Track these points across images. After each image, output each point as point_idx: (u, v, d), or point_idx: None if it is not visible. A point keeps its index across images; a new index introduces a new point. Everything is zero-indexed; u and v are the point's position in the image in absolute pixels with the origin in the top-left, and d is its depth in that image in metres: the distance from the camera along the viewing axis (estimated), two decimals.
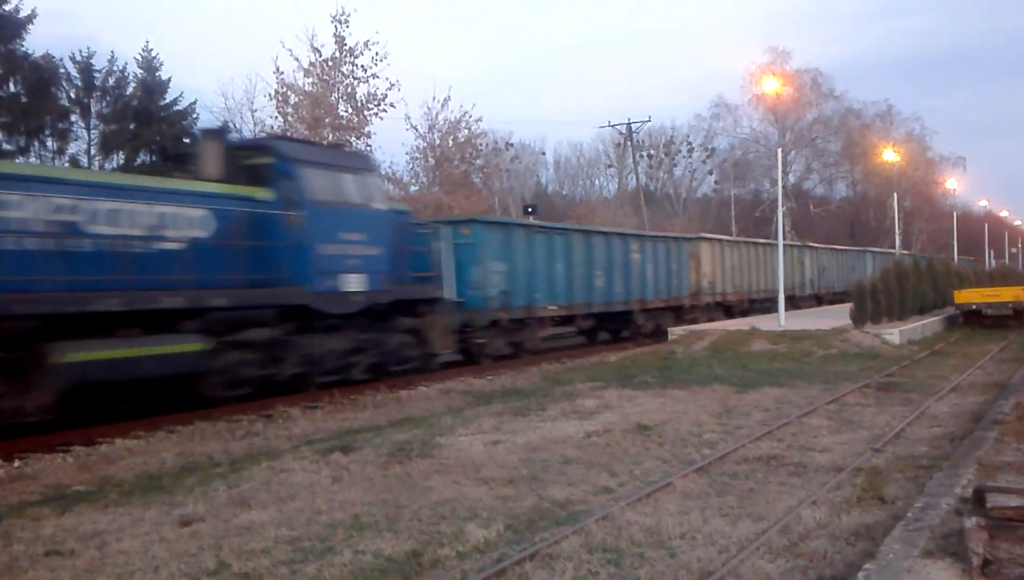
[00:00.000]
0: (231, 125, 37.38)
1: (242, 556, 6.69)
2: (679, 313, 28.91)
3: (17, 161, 30.63)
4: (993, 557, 5.53)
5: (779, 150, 37.35)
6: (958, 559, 5.51)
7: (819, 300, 41.17)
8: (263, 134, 35.52)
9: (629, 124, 54.28)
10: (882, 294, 26.00)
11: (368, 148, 35.48)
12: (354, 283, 15.69)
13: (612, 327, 26.91)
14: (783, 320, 25.52)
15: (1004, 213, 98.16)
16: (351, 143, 34.56)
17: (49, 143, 34.63)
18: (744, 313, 32.49)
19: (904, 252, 50.48)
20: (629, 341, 26.37)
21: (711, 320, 29.31)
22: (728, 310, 32.43)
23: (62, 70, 34.80)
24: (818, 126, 68.11)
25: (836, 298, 40.59)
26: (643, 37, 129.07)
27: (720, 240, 33.68)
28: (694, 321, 28.32)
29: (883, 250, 52.92)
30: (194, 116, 37.37)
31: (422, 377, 18.01)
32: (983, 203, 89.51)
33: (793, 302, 36.46)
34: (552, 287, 22.83)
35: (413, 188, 40.52)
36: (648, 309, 27.25)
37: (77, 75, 35.96)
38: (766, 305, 33.68)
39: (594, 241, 25.08)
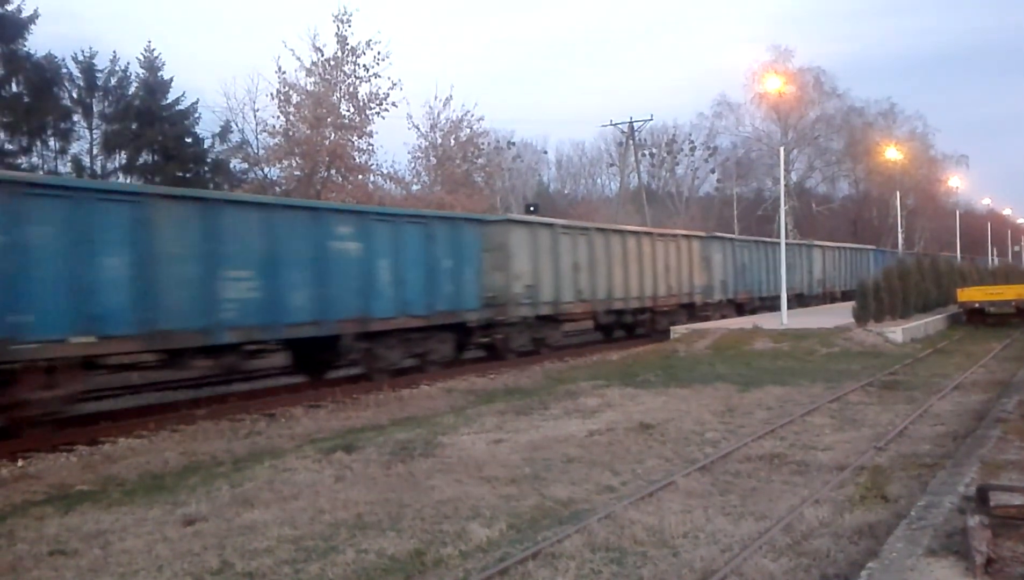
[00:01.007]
0: (233, 125, 37.43)
1: (245, 555, 6.69)
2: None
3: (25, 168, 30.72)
4: (996, 556, 5.52)
5: (781, 149, 37.27)
6: (961, 558, 5.51)
7: (831, 299, 41.42)
8: (265, 133, 35.58)
9: (631, 123, 54.23)
10: (885, 292, 25.99)
11: (370, 147, 35.53)
12: None
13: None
14: (785, 318, 25.50)
15: (1007, 211, 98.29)
16: (352, 142, 34.60)
17: (51, 143, 34.65)
18: (754, 310, 32.88)
19: (897, 251, 50.50)
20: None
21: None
22: (739, 308, 32.79)
23: (64, 70, 34.75)
24: (820, 125, 68.01)
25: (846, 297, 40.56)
26: (645, 36, 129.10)
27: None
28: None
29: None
30: (196, 116, 37.37)
31: (424, 376, 18.04)
32: (986, 201, 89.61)
33: (801, 301, 36.68)
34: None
35: (415, 187, 40.56)
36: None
37: (79, 75, 35.91)
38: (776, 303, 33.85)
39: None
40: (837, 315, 27.84)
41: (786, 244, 28.63)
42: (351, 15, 33.75)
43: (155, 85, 36.35)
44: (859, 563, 6.06)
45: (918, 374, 17.40)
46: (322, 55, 33.94)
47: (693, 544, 6.75)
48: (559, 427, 11.67)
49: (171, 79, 37.01)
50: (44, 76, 32.50)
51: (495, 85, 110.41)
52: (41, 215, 11.34)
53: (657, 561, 6.42)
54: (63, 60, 34.64)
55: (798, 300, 34.17)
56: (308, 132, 33.20)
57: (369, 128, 34.97)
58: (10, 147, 32.02)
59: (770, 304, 33.72)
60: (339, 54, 34.07)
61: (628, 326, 26.93)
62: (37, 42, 43.55)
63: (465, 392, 16.33)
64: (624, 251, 25.63)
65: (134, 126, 35.56)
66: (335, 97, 34.20)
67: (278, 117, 34.33)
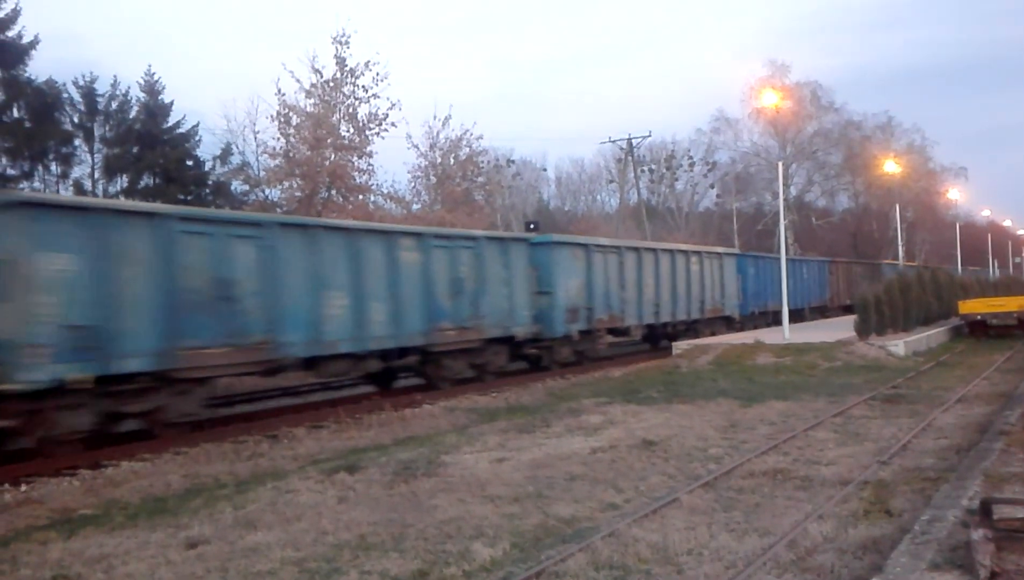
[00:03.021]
0: (233, 147, 37.56)
1: (248, 578, 6.69)
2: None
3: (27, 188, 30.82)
4: (1000, 569, 5.52)
5: (780, 163, 37.42)
6: (965, 571, 5.50)
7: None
8: (266, 155, 35.68)
9: (630, 139, 54.34)
10: (886, 305, 25.99)
11: (370, 167, 35.62)
12: None
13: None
14: (788, 333, 25.50)
15: (1007, 222, 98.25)
16: (352, 162, 34.69)
17: (53, 167, 34.78)
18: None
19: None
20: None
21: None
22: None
23: (65, 95, 34.91)
24: (819, 139, 68.10)
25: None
26: (643, 53, 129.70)
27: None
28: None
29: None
30: (197, 138, 37.51)
31: (427, 395, 18.04)
32: (986, 213, 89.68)
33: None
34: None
35: (415, 206, 40.61)
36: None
37: (80, 99, 36.09)
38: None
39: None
40: (838, 329, 27.86)
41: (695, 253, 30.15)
42: (350, 37, 33.85)
43: (156, 108, 36.51)
44: (863, 578, 6.06)
45: (921, 387, 17.38)
46: (321, 77, 34.07)
47: (697, 561, 6.74)
48: (562, 445, 11.65)
49: (171, 102, 37.21)
50: (45, 101, 32.65)
51: (494, 104, 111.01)
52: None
53: (661, 579, 6.41)
54: (64, 85, 34.85)
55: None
56: (308, 153, 33.28)
57: (369, 148, 35.04)
58: (12, 172, 32.14)
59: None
60: (338, 75, 34.19)
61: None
62: (38, 67, 43.64)
63: (467, 411, 16.32)
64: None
65: (135, 149, 35.69)
66: (335, 118, 34.30)
67: (278, 139, 34.44)
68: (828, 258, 47.21)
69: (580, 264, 23.10)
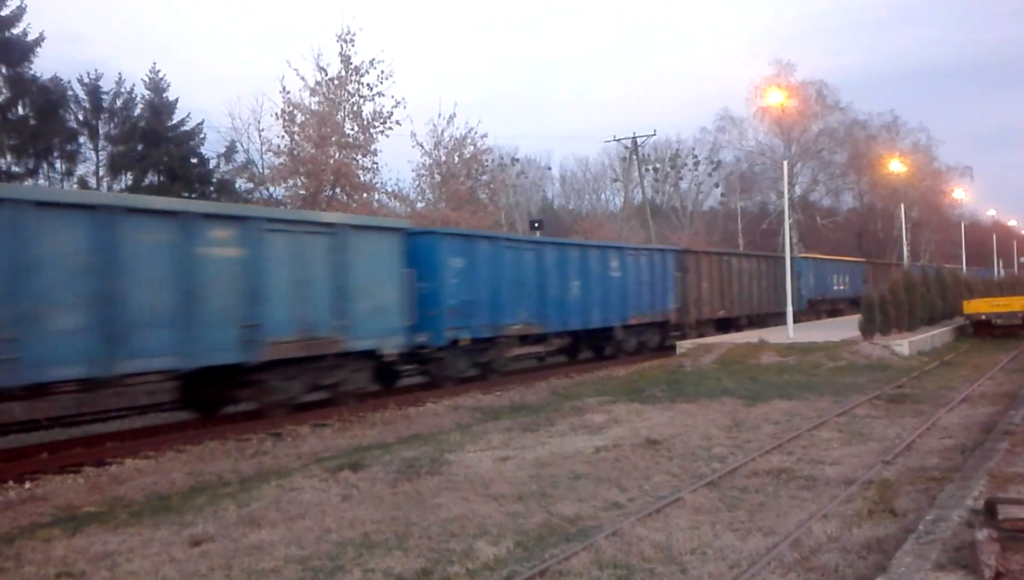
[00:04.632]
0: (238, 145, 37.60)
1: (252, 576, 6.69)
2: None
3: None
4: (1005, 569, 5.50)
5: (785, 162, 37.32)
6: (970, 572, 5.49)
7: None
8: (270, 153, 35.77)
9: (634, 138, 54.24)
10: (891, 305, 25.94)
11: (374, 166, 35.65)
12: None
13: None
14: (792, 332, 25.47)
15: (1012, 222, 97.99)
16: (357, 161, 34.71)
17: (58, 165, 34.88)
18: (742, 328, 32.33)
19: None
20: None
21: (700, 336, 28.22)
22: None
23: (70, 92, 35.04)
24: (824, 138, 68.02)
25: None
26: (648, 51, 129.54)
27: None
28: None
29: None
30: (201, 136, 37.58)
31: (431, 393, 18.04)
32: (991, 213, 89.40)
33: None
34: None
35: (419, 205, 40.62)
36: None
37: (85, 97, 36.22)
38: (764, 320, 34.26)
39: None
40: (843, 328, 27.83)
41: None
42: (354, 35, 33.90)
43: (160, 106, 36.59)
44: (867, 578, 6.05)
45: (925, 387, 17.35)
46: (326, 75, 34.11)
47: (701, 560, 6.73)
48: (565, 444, 11.65)
49: (176, 100, 37.32)
50: (50, 98, 32.75)
51: (498, 102, 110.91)
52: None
53: (665, 578, 6.40)
54: (69, 82, 35.00)
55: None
56: (313, 151, 33.31)
57: (373, 147, 35.09)
58: (17, 169, 32.24)
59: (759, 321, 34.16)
60: (343, 73, 34.23)
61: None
62: (43, 65, 43.97)
63: (471, 409, 16.33)
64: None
65: (140, 147, 35.79)
66: (339, 116, 34.33)
67: (283, 137, 34.48)
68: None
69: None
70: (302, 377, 15.25)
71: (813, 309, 39.93)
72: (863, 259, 52.62)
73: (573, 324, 23.53)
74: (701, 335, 28.58)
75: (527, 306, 21.46)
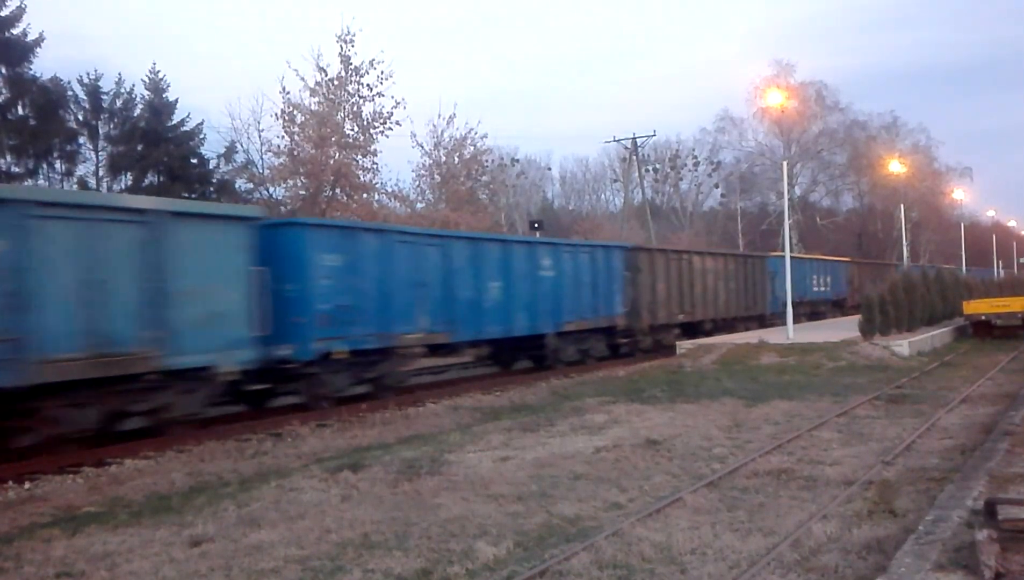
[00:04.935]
0: (238, 145, 37.57)
1: (252, 576, 6.69)
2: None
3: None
4: (1005, 570, 5.50)
5: (784, 163, 37.33)
6: (970, 572, 5.49)
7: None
8: (270, 153, 35.79)
9: (634, 138, 54.27)
10: (891, 305, 25.94)
11: (374, 166, 35.66)
12: None
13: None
14: (792, 333, 25.47)
15: (1012, 223, 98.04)
16: (356, 161, 34.73)
17: (58, 165, 34.86)
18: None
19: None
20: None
21: (657, 343, 26.57)
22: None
23: (70, 92, 35.00)
24: (823, 138, 68.09)
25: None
26: (648, 52, 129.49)
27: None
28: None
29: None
30: (201, 137, 37.56)
31: (430, 393, 18.02)
32: (991, 213, 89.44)
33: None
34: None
35: (419, 205, 40.65)
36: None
37: (85, 97, 36.19)
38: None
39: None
40: (843, 329, 27.82)
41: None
42: (354, 35, 33.94)
43: (160, 106, 36.58)
44: (867, 578, 6.05)
45: (925, 387, 17.35)
46: (326, 75, 34.14)
47: (701, 561, 6.73)
48: (565, 444, 11.64)
49: (176, 100, 37.29)
50: (50, 99, 32.73)
51: (498, 102, 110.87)
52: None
53: (665, 578, 6.40)
54: (69, 83, 34.96)
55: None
56: (312, 152, 33.33)
57: (373, 147, 35.12)
58: (16, 169, 32.23)
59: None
60: (343, 74, 34.26)
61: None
62: (43, 65, 43.86)
63: (471, 409, 16.33)
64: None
65: (139, 147, 35.76)
66: (339, 116, 34.35)
67: (282, 137, 34.51)
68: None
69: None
70: (100, 403, 11.96)
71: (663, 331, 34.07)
72: (847, 258, 49.79)
73: (491, 332, 20.09)
74: (657, 342, 26.38)
75: (429, 311, 18.04)
